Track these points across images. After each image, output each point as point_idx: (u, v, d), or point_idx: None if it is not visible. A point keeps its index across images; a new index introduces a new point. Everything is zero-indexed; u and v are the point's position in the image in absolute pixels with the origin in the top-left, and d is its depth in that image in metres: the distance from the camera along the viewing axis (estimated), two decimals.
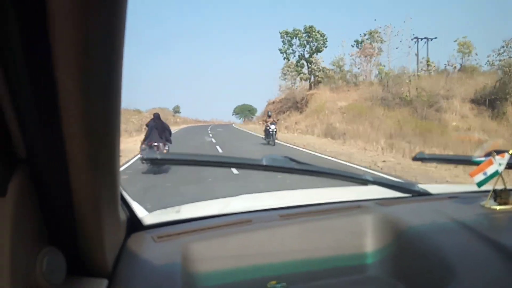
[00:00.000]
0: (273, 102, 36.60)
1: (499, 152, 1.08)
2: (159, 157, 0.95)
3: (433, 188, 1.41)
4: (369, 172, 6.13)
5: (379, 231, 0.98)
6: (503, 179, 1.06)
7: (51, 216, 0.58)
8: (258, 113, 54.78)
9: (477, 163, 1.08)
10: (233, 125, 51.70)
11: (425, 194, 1.27)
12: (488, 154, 1.08)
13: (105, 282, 0.70)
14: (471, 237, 0.85)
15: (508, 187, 1.07)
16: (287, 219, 1.04)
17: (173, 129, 13.17)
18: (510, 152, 1.08)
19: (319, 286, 0.88)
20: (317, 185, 1.73)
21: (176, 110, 62.95)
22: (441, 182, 7.51)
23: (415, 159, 1.24)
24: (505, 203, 1.04)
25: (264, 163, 1.08)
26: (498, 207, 1.04)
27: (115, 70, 0.45)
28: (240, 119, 71.87)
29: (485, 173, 1.05)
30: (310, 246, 0.96)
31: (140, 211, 1.13)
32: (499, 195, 1.06)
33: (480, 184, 1.06)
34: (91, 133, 0.48)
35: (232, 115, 74.35)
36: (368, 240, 0.98)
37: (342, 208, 1.10)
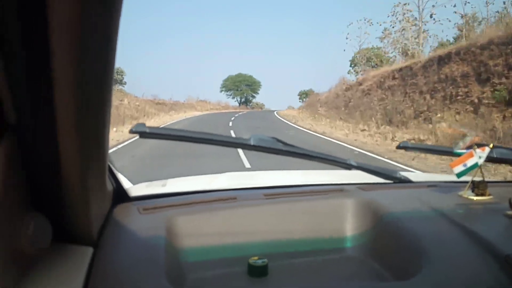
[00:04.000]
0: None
1: (480, 145, 1.11)
2: (148, 130, 0.95)
3: (414, 176, 1.45)
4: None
5: (359, 214, 1.01)
6: (481, 171, 1.10)
7: (38, 183, 0.58)
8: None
9: (458, 155, 1.11)
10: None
11: (406, 181, 1.31)
12: (470, 147, 1.11)
13: (90, 250, 0.71)
14: (447, 225, 0.89)
15: (486, 179, 1.11)
16: (271, 198, 1.06)
17: None
18: (490, 146, 1.12)
19: (298, 263, 0.91)
20: (303, 167, 1.76)
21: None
22: None
23: (398, 147, 1.26)
24: (482, 194, 1.08)
25: (252, 143, 1.09)
26: (475, 198, 1.07)
27: (107, 38, 0.45)
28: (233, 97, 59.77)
29: (465, 165, 1.08)
30: (292, 226, 0.98)
31: (126, 183, 1.14)
32: (476, 186, 1.09)
33: (459, 175, 1.09)
34: (82, 102, 0.48)
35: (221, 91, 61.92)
36: (348, 223, 1.01)
37: (325, 191, 1.13)
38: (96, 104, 0.50)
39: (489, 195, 1.08)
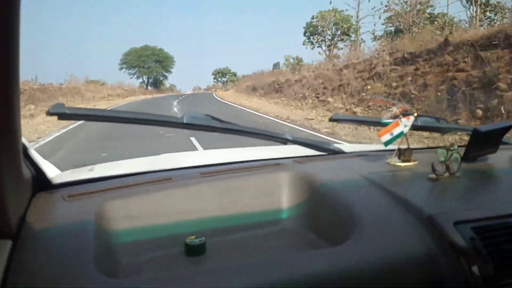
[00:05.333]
0: None
1: (405, 114, 1.17)
2: (67, 111, 0.88)
3: (347, 147, 1.50)
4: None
5: (295, 187, 1.03)
6: (407, 139, 1.16)
7: None
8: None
9: (386, 124, 1.16)
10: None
11: (339, 152, 1.35)
12: (396, 117, 1.17)
13: (9, 243, 0.65)
14: (376, 191, 0.93)
15: (411, 146, 1.18)
16: (207, 177, 1.04)
17: None
18: (415, 115, 1.18)
19: (235, 238, 0.91)
20: (241, 144, 1.75)
21: None
22: None
23: (331, 120, 1.30)
24: (408, 161, 1.15)
25: (185, 121, 1.06)
26: (401, 164, 1.14)
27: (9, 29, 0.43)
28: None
29: (391, 134, 1.14)
30: (229, 202, 0.98)
31: (51, 170, 1.06)
32: (402, 153, 1.16)
33: (386, 143, 1.14)
34: None
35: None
36: (285, 196, 1.02)
37: (262, 166, 1.13)
38: (2, 90, 0.48)
39: (414, 161, 1.15)
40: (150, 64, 46.95)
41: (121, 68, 47.93)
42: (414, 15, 23.31)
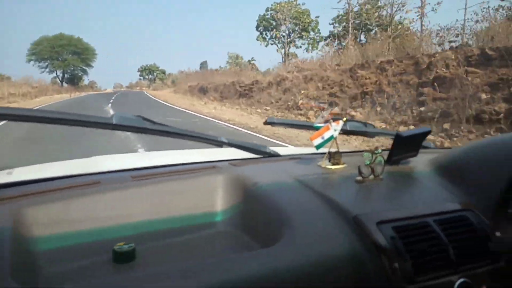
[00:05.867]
0: None
1: (335, 119, 1.22)
2: None
3: (282, 150, 1.54)
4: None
5: (230, 189, 1.03)
6: (336, 143, 1.21)
7: None
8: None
9: (317, 129, 1.21)
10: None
11: (274, 155, 1.38)
12: (327, 121, 1.22)
13: None
14: (307, 193, 0.96)
15: (341, 149, 1.23)
16: (139, 180, 1.01)
17: None
18: (344, 120, 1.24)
19: (168, 243, 0.89)
20: (178, 147, 1.70)
21: None
22: None
23: (266, 123, 1.32)
24: (337, 163, 1.20)
25: (114, 122, 1.02)
26: (331, 167, 1.19)
27: None
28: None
29: (322, 137, 1.18)
30: (162, 206, 0.95)
31: None
32: (332, 157, 1.21)
33: (318, 146, 1.19)
34: None
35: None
36: (220, 198, 1.02)
37: (196, 169, 1.12)
38: None
39: (343, 164, 1.20)
40: (65, 56, 38.60)
41: (29, 60, 38.81)
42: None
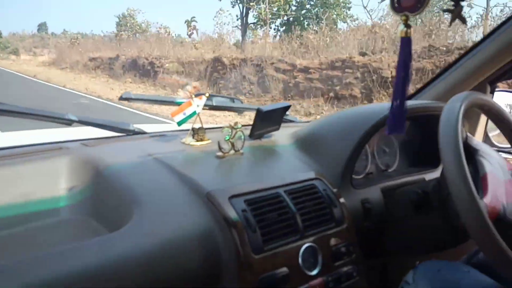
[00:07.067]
0: None
1: (198, 94, 1.19)
2: None
3: (148, 127, 1.46)
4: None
5: (77, 172, 0.94)
6: (200, 119, 1.19)
7: None
8: None
9: (179, 104, 1.16)
10: None
11: (138, 133, 1.30)
12: (189, 96, 1.18)
13: None
14: (165, 172, 0.92)
15: (205, 126, 1.21)
16: None
17: None
18: (207, 95, 1.22)
19: (5, 235, 0.78)
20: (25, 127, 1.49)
21: None
22: None
23: (121, 98, 1.23)
24: (202, 140, 1.18)
25: None
26: (197, 143, 1.16)
27: None
28: None
29: (184, 113, 1.15)
30: None
31: None
32: (196, 133, 1.18)
33: (180, 123, 1.15)
34: None
35: None
36: (66, 183, 0.93)
37: (39, 151, 0.99)
38: None
39: (207, 140, 1.19)
40: None
41: None
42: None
